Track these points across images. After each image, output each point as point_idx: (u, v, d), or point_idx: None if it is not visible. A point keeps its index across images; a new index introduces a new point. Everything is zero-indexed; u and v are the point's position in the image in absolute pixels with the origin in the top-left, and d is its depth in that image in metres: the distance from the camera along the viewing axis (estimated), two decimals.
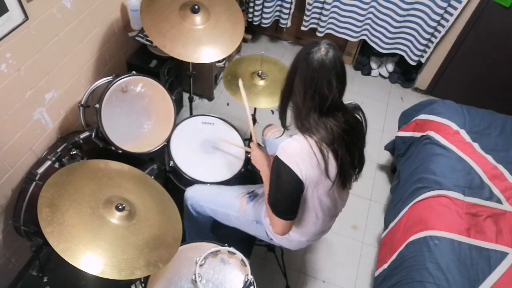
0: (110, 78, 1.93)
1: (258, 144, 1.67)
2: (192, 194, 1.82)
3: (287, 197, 1.40)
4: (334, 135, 1.31)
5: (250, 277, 1.50)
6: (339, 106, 1.35)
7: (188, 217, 1.88)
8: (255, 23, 3.35)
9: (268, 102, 2.04)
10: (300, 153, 1.31)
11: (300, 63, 1.30)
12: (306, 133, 1.33)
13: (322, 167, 1.32)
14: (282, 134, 1.64)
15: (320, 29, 3.20)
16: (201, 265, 1.51)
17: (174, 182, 2.03)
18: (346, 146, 1.34)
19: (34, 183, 1.72)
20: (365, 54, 3.43)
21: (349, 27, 3.13)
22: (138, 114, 2.05)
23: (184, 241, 1.56)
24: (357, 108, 1.46)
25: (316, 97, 1.28)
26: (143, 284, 1.47)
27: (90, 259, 1.22)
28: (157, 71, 2.32)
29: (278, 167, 1.35)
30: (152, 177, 1.73)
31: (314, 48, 1.27)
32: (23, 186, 1.76)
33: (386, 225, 2.20)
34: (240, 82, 1.84)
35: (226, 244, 1.60)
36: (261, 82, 2.09)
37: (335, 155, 1.33)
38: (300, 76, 1.30)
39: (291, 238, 1.61)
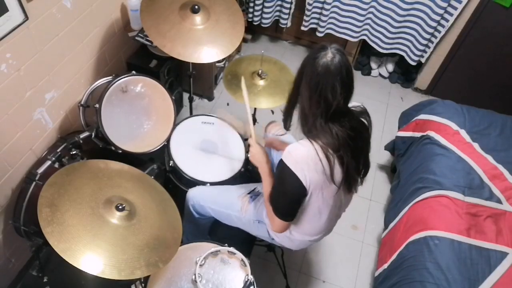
0: (110, 78, 1.93)
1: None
2: (193, 195, 1.83)
3: (288, 200, 1.41)
4: (340, 141, 1.30)
5: (250, 277, 1.50)
6: (345, 112, 1.34)
7: (188, 218, 1.88)
8: (255, 23, 3.35)
9: (268, 102, 2.04)
10: (306, 158, 1.31)
11: (306, 67, 1.29)
12: (312, 138, 1.32)
13: (328, 173, 1.32)
14: (285, 133, 1.63)
15: (320, 29, 3.20)
16: (201, 265, 1.51)
17: (174, 182, 2.03)
18: (351, 152, 1.34)
19: (34, 183, 1.71)
20: (365, 54, 3.43)
21: (349, 27, 3.13)
22: (138, 114, 2.05)
23: (182, 242, 1.56)
24: (363, 112, 1.45)
25: (322, 103, 1.27)
26: (143, 284, 1.47)
27: (90, 259, 1.22)
28: (157, 71, 2.32)
29: (283, 170, 1.35)
30: (152, 177, 1.73)
31: (321, 52, 1.25)
32: (23, 186, 1.76)
33: (386, 225, 2.20)
34: (243, 81, 1.83)
35: (226, 244, 1.60)
36: (261, 82, 2.09)
37: (341, 161, 1.33)
38: (305, 81, 1.29)
39: (293, 238, 1.61)
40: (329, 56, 1.24)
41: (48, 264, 1.90)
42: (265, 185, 1.52)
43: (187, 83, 2.48)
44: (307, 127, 1.34)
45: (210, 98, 3.10)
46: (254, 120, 2.31)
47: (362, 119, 1.44)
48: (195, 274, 1.47)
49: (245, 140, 2.14)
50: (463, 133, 2.26)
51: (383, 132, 3.05)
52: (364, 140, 1.44)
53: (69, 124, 2.07)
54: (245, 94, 1.80)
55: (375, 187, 2.71)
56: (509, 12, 2.65)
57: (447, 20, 2.79)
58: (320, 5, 3.06)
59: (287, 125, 1.49)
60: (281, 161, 1.35)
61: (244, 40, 3.54)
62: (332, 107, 1.27)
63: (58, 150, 1.77)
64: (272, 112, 2.24)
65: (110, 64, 2.29)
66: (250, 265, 1.54)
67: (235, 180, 1.95)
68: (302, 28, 3.26)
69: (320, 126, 1.30)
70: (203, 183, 1.90)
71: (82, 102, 1.94)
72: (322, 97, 1.26)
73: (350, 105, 1.40)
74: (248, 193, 1.76)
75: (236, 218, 1.75)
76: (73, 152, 1.78)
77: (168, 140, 2.03)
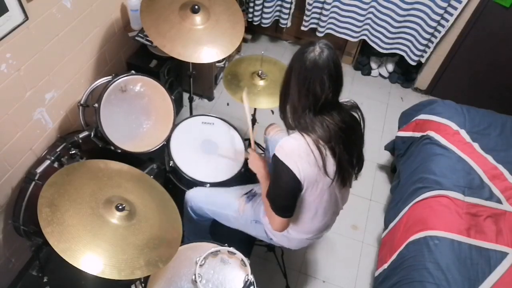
0: (109, 77, 1.93)
1: (257, 144, 1.68)
2: (191, 196, 1.83)
3: (285, 195, 1.42)
4: (331, 133, 1.33)
5: (250, 277, 1.50)
6: (334, 105, 1.37)
7: (188, 219, 1.88)
8: (255, 23, 3.35)
9: (268, 102, 2.04)
10: (298, 150, 1.32)
11: (295, 62, 1.33)
12: (303, 131, 1.34)
13: (320, 165, 1.33)
14: (286, 132, 1.63)
15: (320, 29, 3.20)
16: (201, 265, 1.51)
17: (174, 182, 2.03)
18: (343, 144, 1.36)
19: (34, 182, 1.72)
20: (365, 54, 3.43)
21: (349, 27, 3.13)
22: (137, 114, 2.05)
23: (182, 241, 1.56)
24: (354, 106, 1.47)
25: (310, 96, 1.30)
26: (143, 284, 1.47)
27: (90, 259, 1.22)
28: (157, 71, 2.32)
29: (276, 165, 1.36)
30: (152, 177, 1.73)
31: (309, 47, 1.29)
32: (23, 186, 1.76)
33: (386, 225, 2.20)
34: (245, 93, 1.86)
35: (226, 244, 1.60)
36: (261, 82, 2.09)
37: (333, 153, 1.34)
38: (294, 76, 1.32)
39: (291, 237, 1.61)
40: (317, 50, 1.28)
41: (48, 264, 1.90)
42: (264, 189, 1.53)
43: (187, 83, 2.48)
44: (297, 119, 1.37)
45: (210, 98, 3.10)
46: (255, 120, 2.31)
47: (353, 113, 1.45)
48: (195, 274, 1.47)
49: (245, 140, 2.14)
50: (463, 133, 2.26)
51: (383, 132, 3.04)
52: (356, 133, 1.45)
53: (69, 124, 2.07)
54: (246, 105, 1.83)
55: (375, 187, 2.71)
56: (509, 12, 2.65)
57: (447, 20, 2.79)
58: (320, 5, 3.06)
59: (286, 123, 1.49)
60: (274, 156, 1.37)
61: (244, 40, 3.54)
62: (320, 100, 1.30)
63: (58, 150, 1.77)
64: (272, 112, 2.25)
65: (110, 64, 2.29)
66: (250, 265, 1.54)
67: (235, 180, 1.95)
68: (302, 28, 3.26)
69: (309, 118, 1.33)
70: (203, 184, 1.90)
71: (81, 102, 1.94)
72: (310, 91, 1.29)
73: (340, 100, 1.41)
74: (245, 194, 1.77)
75: (234, 218, 1.75)
76: (73, 152, 1.78)
77: (168, 140, 2.03)
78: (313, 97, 1.30)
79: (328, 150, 1.33)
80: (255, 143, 1.80)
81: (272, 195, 1.45)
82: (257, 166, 1.60)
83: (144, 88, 2.02)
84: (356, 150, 1.45)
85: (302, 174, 1.33)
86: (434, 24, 2.81)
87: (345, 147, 1.36)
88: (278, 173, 1.38)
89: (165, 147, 2.03)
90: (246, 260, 1.55)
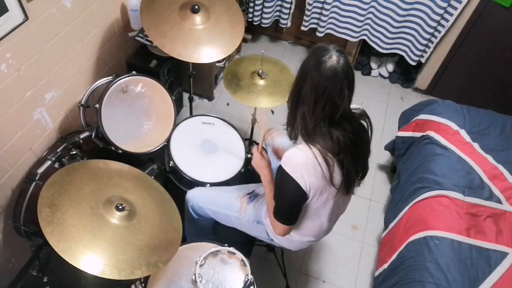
0: (110, 78, 1.93)
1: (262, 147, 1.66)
2: (192, 196, 1.83)
3: (289, 205, 1.41)
4: (340, 146, 1.29)
5: (250, 277, 1.50)
6: (348, 114, 1.33)
7: (189, 219, 1.88)
8: (255, 23, 3.35)
9: (268, 102, 2.04)
10: (305, 163, 1.29)
11: (311, 71, 1.24)
12: (310, 143, 1.30)
13: (327, 177, 1.31)
14: (285, 136, 1.63)
15: (320, 29, 3.20)
16: (201, 265, 1.51)
17: (174, 182, 2.03)
18: (352, 155, 1.33)
19: (34, 183, 1.71)
20: (365, 54, 3.43)
21: (349, 27, 3.13)
22: (138, 114, 2.05)
23: (184, 241, 1.56)
24: (363, 115, 1.44)
25: (327, 107, 1.24)
26: (143, 284, 1.47)
27: (90, 259, 1.23)
28: (157, 71, 2.32)
29: (282, 177, 1.34)
30: (152, 177, 1.73)
31: (325, 55, 1.22)
32: (23, 186, 1.76)
33: (386, 225, 2.20)
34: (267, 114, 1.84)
35: (226, 244, 1.60)
36: (261, 82, 2.09)
37: (341, 165, 1.32)
38: (311, 85, 1.25)
39: (292, 239, 1.61)
40: (334, 59, 1.22)
41: (48, 264, 1.90)
42: (267, 191, 1.52)
43: (187, 83, 2.48)
44: (307, 132, 1.31)
45: (210, 98, 3.10)
46: (255, 120, 2.31)
47: (362, 122, 1.43)
48: (195, 274, 1.47)
49: (245, 140, 2.14)
50: (463, 133, 2.26)
51: (383, 132, 3.05)
52: (365, 143, 1.44)
53: (69, 124, 2.07)
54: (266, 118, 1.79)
55: (375, 187, 2.71)
56: (509, 12, 2.65)
57: (447, 20, 2.79)
58: (320, 5, 3.06)
59: (292, 133, 1.42)
60: (280, 167, 1.34)
61: (244, 40, 3.54)
62: (339, 111, 1.25)
63: (58, 150, 1.77)
64: (272, 112, 2.24)
65: (110, 64, 2.29)
66: (250, 265, 1.54)
67: (235, 180, 1.95)
68: (302, 28, 3.26)
69: (320, 130, 1.28)
70: (203, 184, 1.90)
71: (82, 102, 1.94)
72: (328, 102, 1.24)
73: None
74: (247, 194, 1.76)
75: (235, 218, 1.75)
76: (73, 152, 1.78)
77: (168, 140, 2.03)
78: (330, 108, 1.24)
79: (336, 163, 1.31)
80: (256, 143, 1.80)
81: (276, 204, 1.43)
82: (261, 168, 1.56)
83: (145, 89, 2.02)
84: (361, 159, 1.44)
85: (308, 186, 1.32)
86: (434, 24, 2.81)
87: (353, 158, 1.34)
88: (283, 184, 1.35)
89: (165, 147, 2.03)
90: (246, 260, 1.55)
